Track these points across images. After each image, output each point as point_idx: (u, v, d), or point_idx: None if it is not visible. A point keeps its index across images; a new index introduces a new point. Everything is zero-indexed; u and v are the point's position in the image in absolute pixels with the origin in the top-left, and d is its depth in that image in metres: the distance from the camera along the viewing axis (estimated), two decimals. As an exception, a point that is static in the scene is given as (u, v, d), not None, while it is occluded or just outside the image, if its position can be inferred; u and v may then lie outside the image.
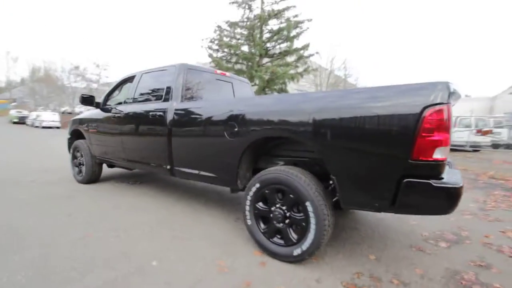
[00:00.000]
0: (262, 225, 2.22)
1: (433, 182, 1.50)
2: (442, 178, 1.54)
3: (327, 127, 1.78)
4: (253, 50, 16.81)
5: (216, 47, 19.48)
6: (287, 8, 18.37)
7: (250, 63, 18.45)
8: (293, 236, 2.04)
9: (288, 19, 18.61)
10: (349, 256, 2.22)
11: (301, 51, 18.14)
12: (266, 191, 2.14)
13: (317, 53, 17.63)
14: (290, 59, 18.77)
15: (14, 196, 3.56)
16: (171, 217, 2.96)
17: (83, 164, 4.31)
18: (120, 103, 4.00)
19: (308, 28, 17.38)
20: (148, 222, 2.80)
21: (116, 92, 4.05)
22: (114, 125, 3.61)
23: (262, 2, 19.29)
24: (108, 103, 4.00)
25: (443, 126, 1.47)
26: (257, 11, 19.25)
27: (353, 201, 1.81)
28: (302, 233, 1.97)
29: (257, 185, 2.17)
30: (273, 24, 19.05)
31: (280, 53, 19.40)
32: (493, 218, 3.25)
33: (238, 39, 19.51)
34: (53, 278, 1.80)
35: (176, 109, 2.86)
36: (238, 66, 19.67)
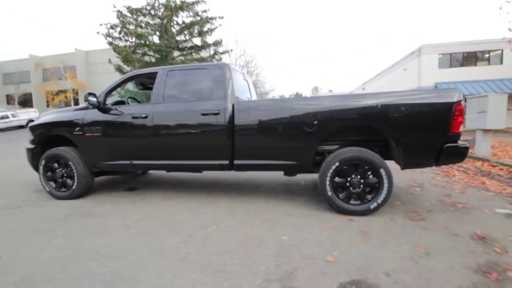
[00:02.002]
0: (340, 194, 2.90)
1: (459, 144, 2.64)
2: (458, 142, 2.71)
3: (397, 116, 2.67)
4: (166, 42, 15.87)
5: (118, 35, 17.20)
6: (197, 2, 18.18)
7: (162, 56, 17.31)
8: (367, 196, 2.84)
9: (197, 13, 18.48)
10: (387, 205, 3.22)
11: (215, 47, 18.47)
12: (344, 167, 2.84)
13: (231, 50, 18.50)
14: (205, 54, 18.81)
15: (17, 226, 2.78)
16: (231, 213, 3.13)
17: (69, 177, 3.61)
18: (124, 102, 3.63)
19: (220, 25, 17.83)
20: (224, 219, 2.95)
21: (118, 89, 3.60)
22: (138, 126, 3.30)
23: (167, -9, 18.25)
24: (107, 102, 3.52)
25: (463, 112, 2.62)
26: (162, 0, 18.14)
27: (411, 163, 2.80)
28: (376, 192, 2.80)
29: (337, 163, 2.83)
30: (183, 17, 18.48)
31: (191, 47, 19.10)
32: (419, 172, 5.07)
33: (144, 28, 17.87)
34: (234, 281, 1.93)
35: (238, 108, 3.07)
36: (146, 58, 18.10)
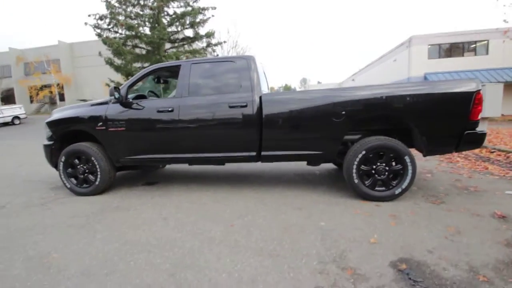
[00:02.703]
0: (365, 181, 3.04)
1: (477, 131, 2.82)
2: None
3: (424, 105, 2.82)
4: (159, 34, 15.47)
5: (107, 26, 16.64)
6: (188, -8, 17.73)
7: (154, 47, 16.92)
8: (392, 182, 3.00)
9: (188, 3, 18.09)
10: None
11: (207, 39, 18.18)
12: (370, 155, 2.97)
13: (224, 42, 18.29)
14: (197, 46, 18.51)
15: (51, 222, 2.79)
16: (261, 203, 3.23)
17: (90, 172, 3.59)
18: (143, 96, 3.63)
19: (213, 16, 17.54)
20: (257, 209, 3.05)
21: (139, 83, 3.58)
22: (164, 120, 3.31)
23: (156, -19, 17.77)
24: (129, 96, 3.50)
25: (481, 101, 2.79)
26: (152, -11, 17.64)
27: (433, 150, 2.97)
28: (401, 178, 2.96)
29: (363, 152, 2.96)
30: (174, 7, 18.05)
31: (183, 38, 18.75)
32: (424, 159, 5.31)
33: (133, 18, 17.34)
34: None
35: (265, 100, 3.13)
36: (137, 51, 17.64)
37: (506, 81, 16.53)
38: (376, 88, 2.97)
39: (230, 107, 3.17)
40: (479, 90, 2.79)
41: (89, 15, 15.89)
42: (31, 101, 30.55)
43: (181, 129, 3.30)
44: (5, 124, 20.55)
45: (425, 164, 4.85)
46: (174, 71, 3.52)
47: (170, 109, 3.29)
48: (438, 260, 1.87)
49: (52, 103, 30.09)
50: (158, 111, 3.32)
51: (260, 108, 3.14)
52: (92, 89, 30.39)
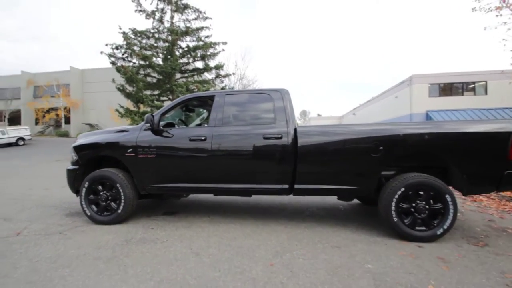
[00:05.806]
0: (405, 220, 2.92)
1: (518, 171, 2.78)
2: (514, 169, 2.85)
3: (464, 143, 2.81)
4: (171, 65, 16.14)
5: (121, 56, 17.38)
6: (201, 28, 18.90)
7: (165, 77, 17.55)
8: (434, 221, 2.88)
9: (200, 38, 19.13)
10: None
11: (217, 71, 18.94)
12: (409, 193, 2.89)
13: (233, 74, 18.97)
14: (206, 77, 19.21)
15: (76, 254, 2.61)
16: (295, 239, 3.08)
17: (114, 200, 3.46)
18: (177, 124, 3.62)
19: (223, 50, 18.43)
20: (293, 246, 2.89)
21: (171, 112, 3.60)
22: (196, 148, 3.27)
23: (172, 16, 19.10)
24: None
25: (519, 141, 2.79)
26: (167, 24, 18.79)
27: (474, 190, 2.90)
28: (442, 218, 2.85)
29: (402, 189, 2.88)
30: (187, 41, 19.06)
31: (193, 69, 19.54)
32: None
33: (147, 49, 18.19)
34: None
35: (300, 132, 3.12)
36: (148, 79, 18.28)
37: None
38: (415, 125, 2.98)
39: (265, 138, 3.15)
40: (517, 130, 2.81)
41: (106, 45, 16.64)
42: (36, 123, 30.86)
43: (213, 158, 3.24)
44: (9, 144, 20.50)
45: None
46: (207, 101, 3.56)
47: (203, 138, 3.26)
48: (513, 313, 1.72)
49: (58, 125, 30.37)
50: (191, 140, 3.30)
51: (295, 140, 3.12)
52: (98, 114, 30.88)
